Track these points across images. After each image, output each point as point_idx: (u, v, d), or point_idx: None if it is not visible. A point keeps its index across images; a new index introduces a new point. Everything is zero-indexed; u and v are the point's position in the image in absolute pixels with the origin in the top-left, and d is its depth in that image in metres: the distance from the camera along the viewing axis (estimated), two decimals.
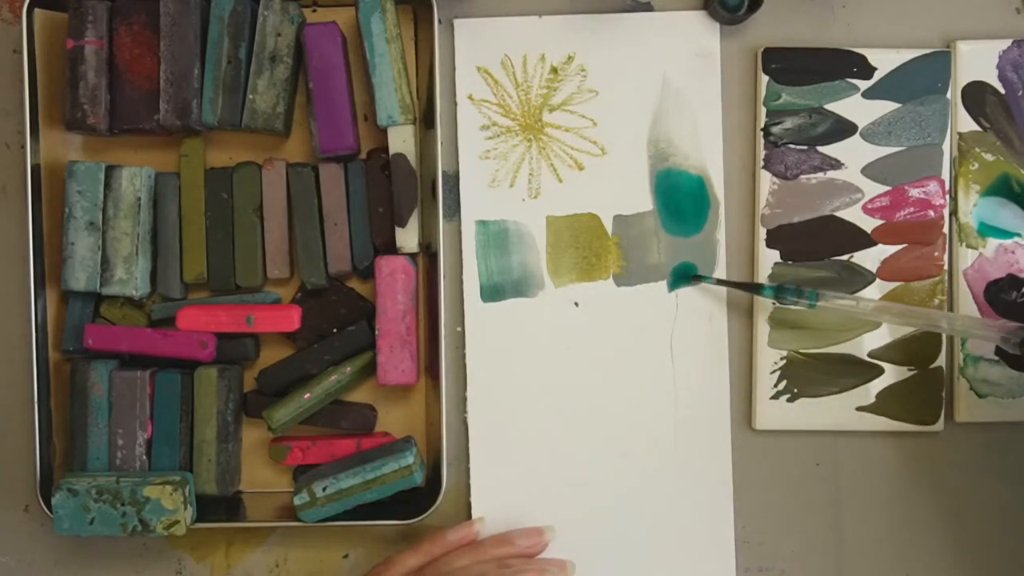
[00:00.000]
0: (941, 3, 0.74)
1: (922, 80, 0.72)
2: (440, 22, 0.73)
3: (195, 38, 0.70)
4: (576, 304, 0.74)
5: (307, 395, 0.71)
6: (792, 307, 0.70)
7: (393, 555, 0.69)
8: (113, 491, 0.69)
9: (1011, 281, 0.63)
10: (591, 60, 0.74)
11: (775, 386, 0.73)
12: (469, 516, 0.73)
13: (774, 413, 0.73)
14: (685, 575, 0.73)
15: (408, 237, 0.71)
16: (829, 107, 0.73)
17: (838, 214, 0.73)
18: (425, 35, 0.73)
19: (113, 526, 0.69)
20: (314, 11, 0.74)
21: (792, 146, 0.73)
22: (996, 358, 0.72)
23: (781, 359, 0.73)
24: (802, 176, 0.73)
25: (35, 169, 0.71)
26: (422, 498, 0.72)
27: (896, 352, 0.73)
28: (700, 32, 0.73)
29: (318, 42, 0.70)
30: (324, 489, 0.70)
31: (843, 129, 0.73)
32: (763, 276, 0.73)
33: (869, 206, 0.73)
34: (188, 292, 0.74)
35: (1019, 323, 0.64)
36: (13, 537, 0.75)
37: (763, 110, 0.73)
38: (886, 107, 0.73)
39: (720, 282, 0.72)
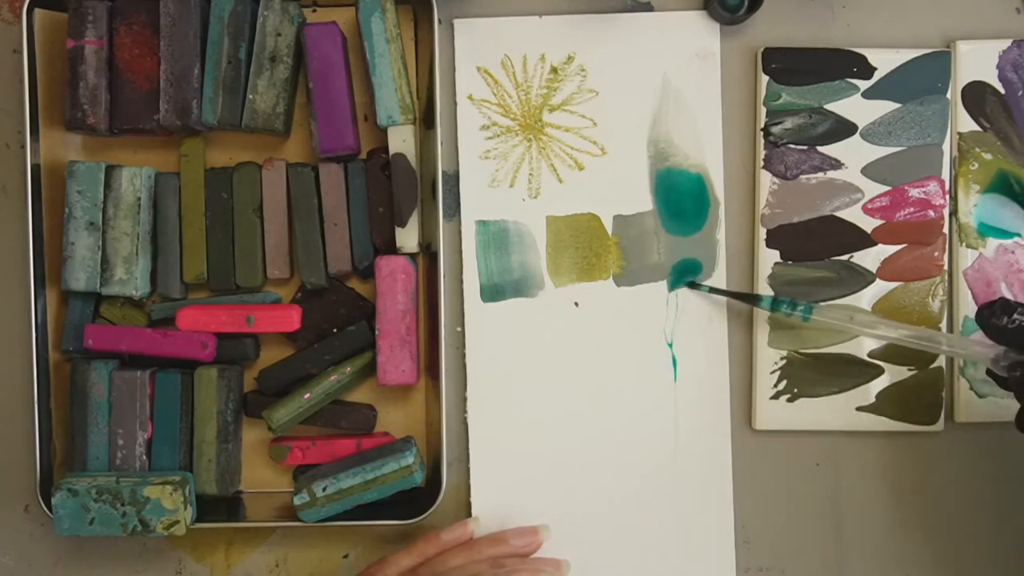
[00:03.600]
0: (941, 3, 0.74)
1: (922, 80, 0.72)
2: (440, 22, 0.73)
3: (195, 38, 0.70)
4: (576, 304, 0.74)
5: (307, 395, 0.71)
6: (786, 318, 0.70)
7: (387, 555, 0.70)
8: (113, 491, 0.69)
9: (1003, 306, 0.63)
10: (591, 60, 0.74)
11: (775, 386, 0.73)
12: (469, 516, 0.73)
13: (774, 413, 0.73)
14: (685, 575, 0.73)
15: (408, 237, 0.71)
16: (829, 107, 0.73)
17: (838, 214, 0.73)
18: (425, 35, 0.73)
19: (113, 526, 0.69)
20: (314, 11, 0.74)
21: (792, 146, 0.73)
22: None
23: (781, 359, 0.73)
24: (802, 176, 0.73)
25: (35, 169, 0.71)
26: (422, 498, 0.72)
27: (896, 352, 0.73)
28: (700, 32, 0.73)
29: (318, 42, 0.70)
30: (324, 489, 0.70)
31: (843, 129, 0.73)
32: (763, 276, 0.73)
33: (869, 206, 0.73)
34: (188, 292, 0.74)
35: (1008, 347, 0.64)
36: (13, 537, 0.75)
37: (763, 110, 0.73)
38: (886, 107, 0.73)
39: (714, 290, 0.72)
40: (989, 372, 0.65)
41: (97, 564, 0.75)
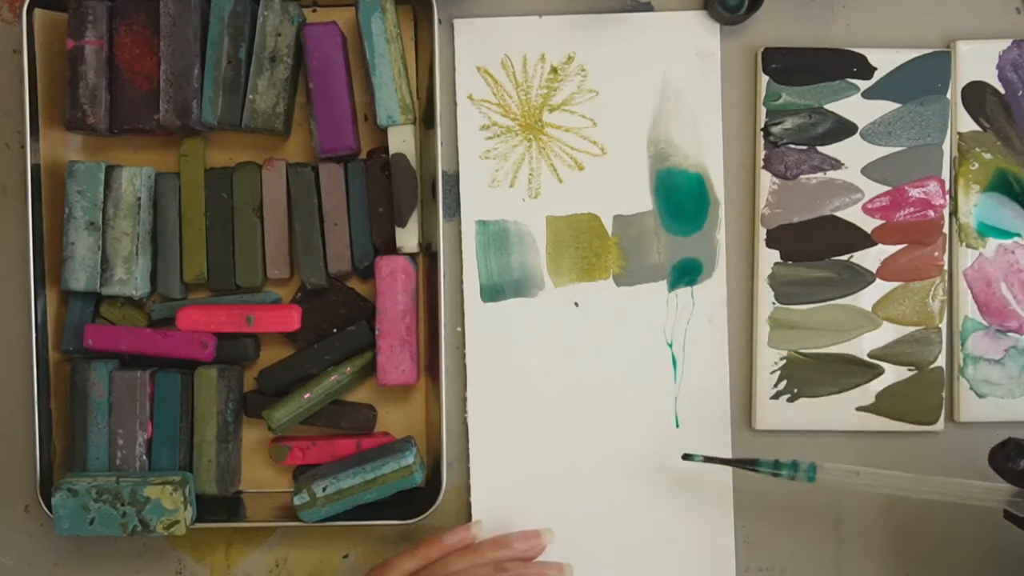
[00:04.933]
0: (941, 3, 0.74)
1: (922, 80, 0.72)
2: (440, 22, 0.73)
3: (195, 38, 0.70)
4: (576, 304, 0.74)
5: (307, 395, 0.71)
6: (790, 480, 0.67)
7: (390, 558, 0.69)
8: (113, 491, 0.69)
9: (1016, 448, 0.62)
10: (591, 60, 0.74)
11: (775, 386, 0.73)
12: (469, 516, 0.73)
13: (774, 413, 0.73)
14: (685, 575, 0.73)
15: (408, 237, 0.71)
16: (829, 107, 0.73)
17: (838, 214, 0.73)
18: (425, 35, 0.73)
19: (113, 526, 0.69)
20: (314, 11, 0.74)
21: (792, 146, 0.73)
22: (996, 358, 0.72)
23: (781, 359, 0.73)
24: (802, 176, 0.73)
25: (35, 169, 0.71)
26: (422, 498, 0.72)
27: (896, 352, 0.73)
28: (700, 32, 0.73)
29: (318, 42, 0.70)
30: (324, 489, 0.70)
31: (843, 129, 0.73)
32: (763, 276, 0.73)
33: (869, 206, 0.73)
34: (188, 292, 0.74)
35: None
36: (13, 537, 0.75)
37: (763, 110, 0.73)
38: (886, 107, 0.73)
39: (709, 459, 0.69)
40: (1007, 514, 0.64)
41: (97, 564, 0.75)
